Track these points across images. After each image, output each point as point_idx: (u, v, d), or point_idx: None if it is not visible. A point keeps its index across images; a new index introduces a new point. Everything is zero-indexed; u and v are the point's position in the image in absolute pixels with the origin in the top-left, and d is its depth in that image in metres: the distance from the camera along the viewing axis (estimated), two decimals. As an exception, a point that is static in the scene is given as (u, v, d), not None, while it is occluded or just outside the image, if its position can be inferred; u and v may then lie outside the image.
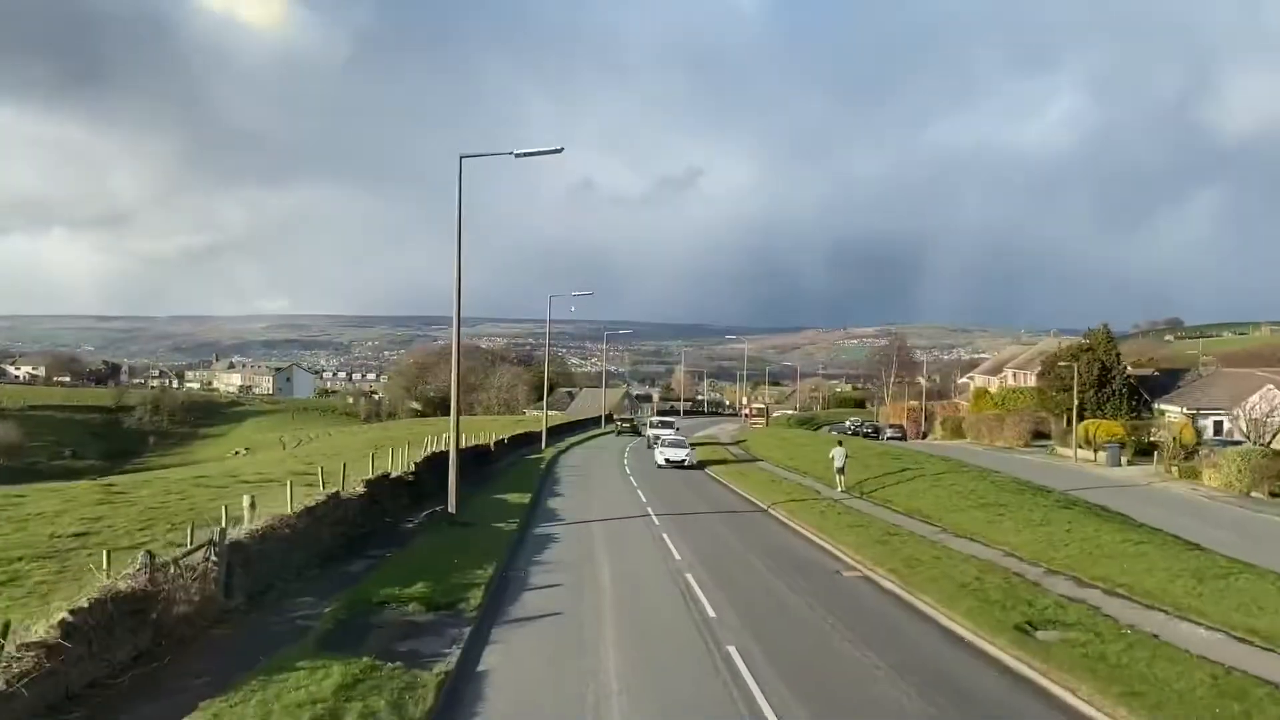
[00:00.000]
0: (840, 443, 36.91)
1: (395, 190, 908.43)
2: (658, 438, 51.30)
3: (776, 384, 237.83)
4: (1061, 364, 53.16)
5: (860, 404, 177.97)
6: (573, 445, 65.18)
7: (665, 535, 24.86)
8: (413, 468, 31.10)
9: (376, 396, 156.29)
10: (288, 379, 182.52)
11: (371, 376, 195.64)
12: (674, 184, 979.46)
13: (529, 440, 61.96)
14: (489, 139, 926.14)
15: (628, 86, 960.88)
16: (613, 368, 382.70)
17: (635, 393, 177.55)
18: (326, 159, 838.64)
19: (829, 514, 27.59)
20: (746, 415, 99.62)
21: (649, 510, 29.97)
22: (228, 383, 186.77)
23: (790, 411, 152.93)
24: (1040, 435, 56.99)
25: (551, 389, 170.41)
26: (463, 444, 46.26)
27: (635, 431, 72.35)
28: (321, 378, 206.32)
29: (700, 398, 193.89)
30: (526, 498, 32.00)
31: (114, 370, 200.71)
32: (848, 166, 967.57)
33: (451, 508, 25.90)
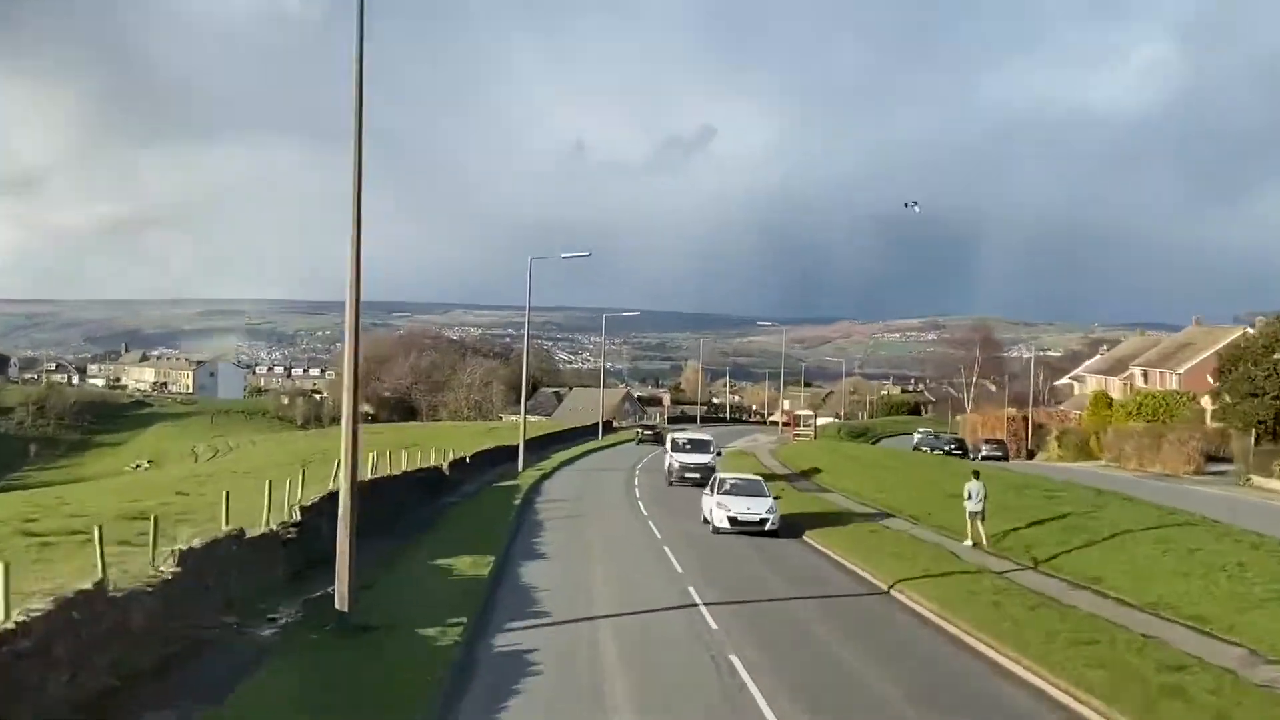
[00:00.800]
0: (976, 474, 27.62)
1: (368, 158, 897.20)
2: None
3: (808, 385, 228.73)
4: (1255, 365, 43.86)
5: (915, 410, 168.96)
6: (562, 464, 56.04)
7: (737, 662, 15.53)
8: (296, 516, 21.79)
9: (318, 397, 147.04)
10: (211, 374, 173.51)
11: (316, 372, 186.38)
12: (682, 147, 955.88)
13: (503, 458, 52.84)
14: (461, 95, 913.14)
15: (627, 28, 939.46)
16: (609, 364, 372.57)
17: (637, 394, 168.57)
18: (279, 116, 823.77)
19: (1012, 608, 18.31)
20: (786, 425, 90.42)
21: (692, 593, 20.70)
22: (138, 379, 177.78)
23: (832, 419, 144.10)
24: (1214, 458, 47.85)
25: (534, 389, 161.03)
26: (409, 466, 37.20)
27: (658, 440, 69.03)
28: (255, 373, 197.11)
29: (716, 400, 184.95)
30: (486, 563, 22.72)
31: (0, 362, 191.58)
32: (887, 128, 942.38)
33: (341, 601, 16.51)
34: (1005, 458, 63.45)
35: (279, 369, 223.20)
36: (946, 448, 68.52)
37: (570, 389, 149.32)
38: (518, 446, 50.39)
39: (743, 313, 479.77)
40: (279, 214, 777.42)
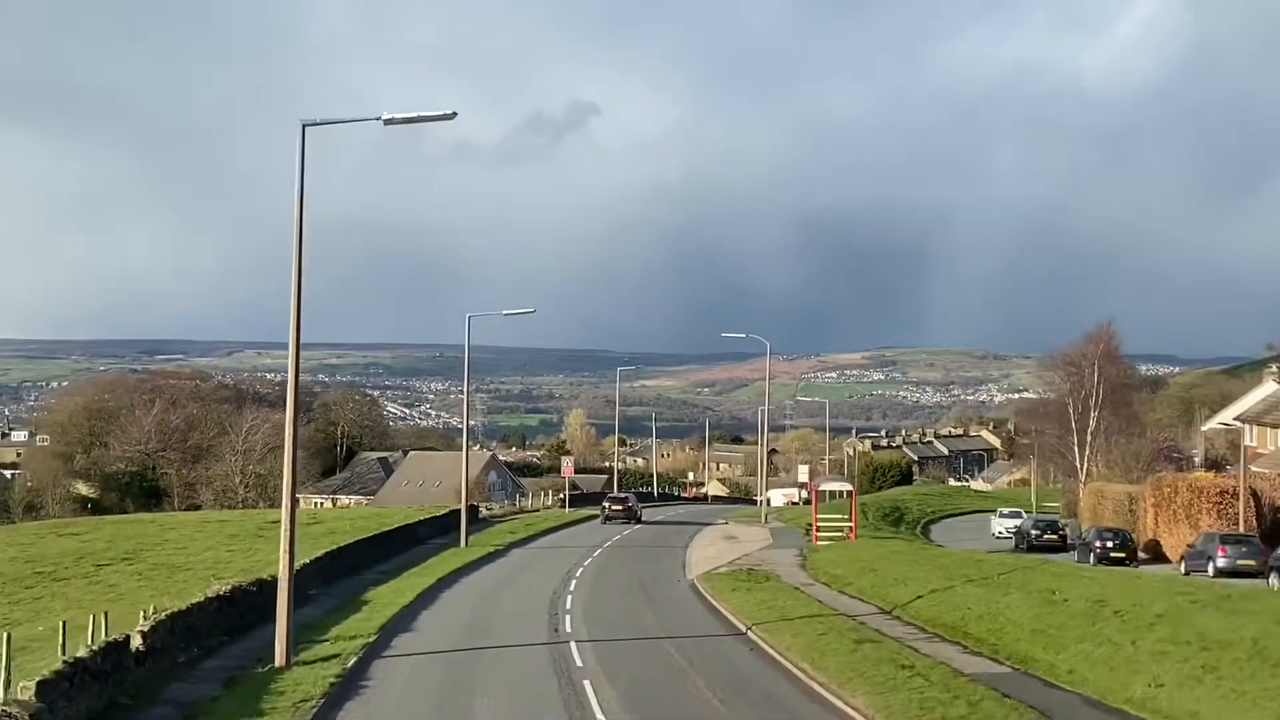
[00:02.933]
0: None
1: (107, 138, 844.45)
2: None
3: (738, 440, 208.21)
4: None
5: (907, 475, 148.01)
6: (391, 623, 32.13)
7: None
8: None
9: (9, 475, 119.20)
10: None
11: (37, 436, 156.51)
12: (550, 128, 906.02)
13: (257, 611, 29.22)
14: (236, 56, 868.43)
15: None
16: (455, 420, 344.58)
17: (503, 457, 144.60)
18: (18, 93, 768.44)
19: None
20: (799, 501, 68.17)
21: None
22: None
23: (793, 489, 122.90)
24: None
25: (349, 455, 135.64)
26: None
27: (631, 516, 70.53)
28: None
29: (606, 465, 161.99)
30: None
31: None
32: (818, 105, 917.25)
33: None
34: (1132, 556, 47.89)
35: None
36: (1103, 548, 47.53)
37: (405, 453, 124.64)
38: (280, 581, 26.30)
39: (632, 348, 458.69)
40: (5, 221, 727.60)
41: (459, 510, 57.22)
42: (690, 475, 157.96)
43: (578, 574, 41.87)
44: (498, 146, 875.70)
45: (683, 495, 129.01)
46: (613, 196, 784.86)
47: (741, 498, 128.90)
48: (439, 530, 58.22)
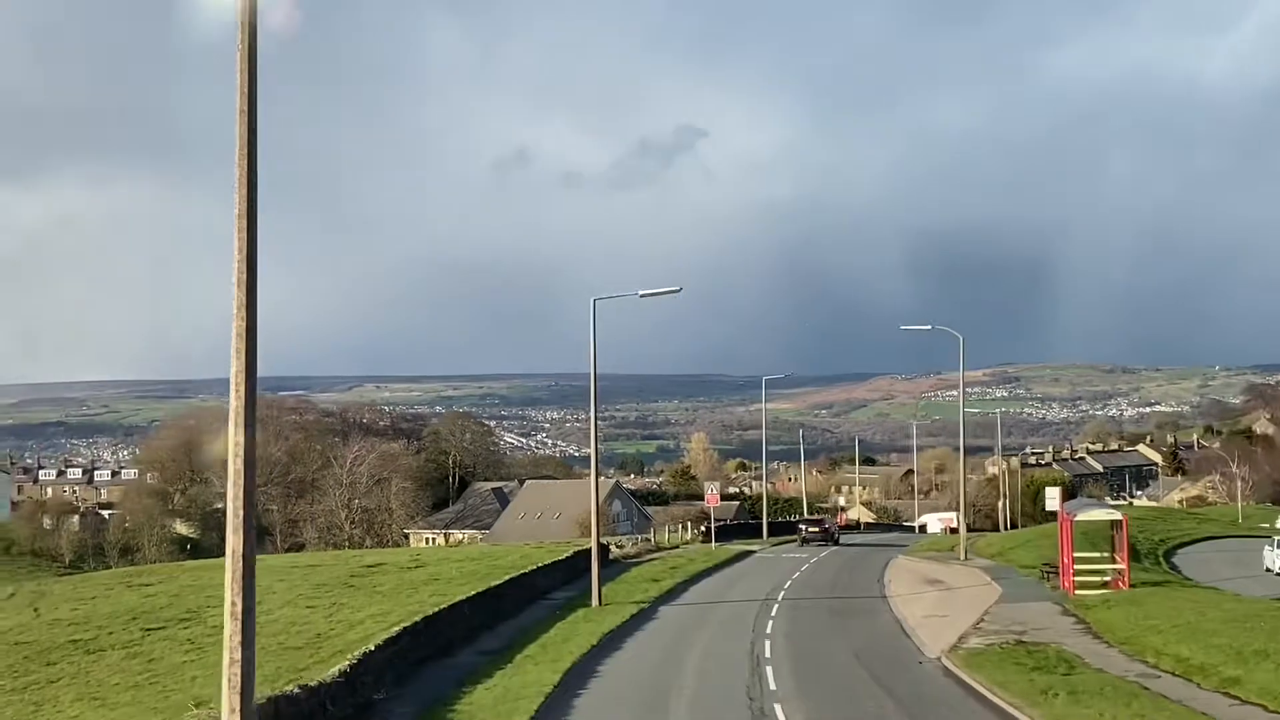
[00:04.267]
0: None
1: (230, 182, 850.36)
2: None
3: (870, 461, 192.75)
4: None
5: (1070, 493, 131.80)
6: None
7: None
8: None
9: (107, 514, 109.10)
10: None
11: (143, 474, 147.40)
12: (658, 153, 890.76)
13: None
14: (361, 98, 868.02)
15: (573, 6, 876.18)
16: (572, 448, 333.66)
17: (628, 485, 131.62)
18: (134, 135, 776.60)
19: None
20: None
21: None
22: None
23: (948, 514, 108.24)
24: None
25: (462, 487, 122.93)
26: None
27: (828, 538, 70.83)
28: (37, 481, 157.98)
29: (734, 490, 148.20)
30: None
31: None
32: (931, 118, 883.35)
33: None
34: None
35: (105, 472, 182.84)
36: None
37: (521, 483, 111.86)
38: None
39: (748, 370, 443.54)
40: (127, 269, 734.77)
41: (586, 550, 43.94)
42: (840, 499, 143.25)
43: (766, 652, 28.26)
44: (606, 174, 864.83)
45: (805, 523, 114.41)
46: (723, 219, 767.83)
47: (891, 523, 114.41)
48: (563, 578, 44.93)
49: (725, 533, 69.24)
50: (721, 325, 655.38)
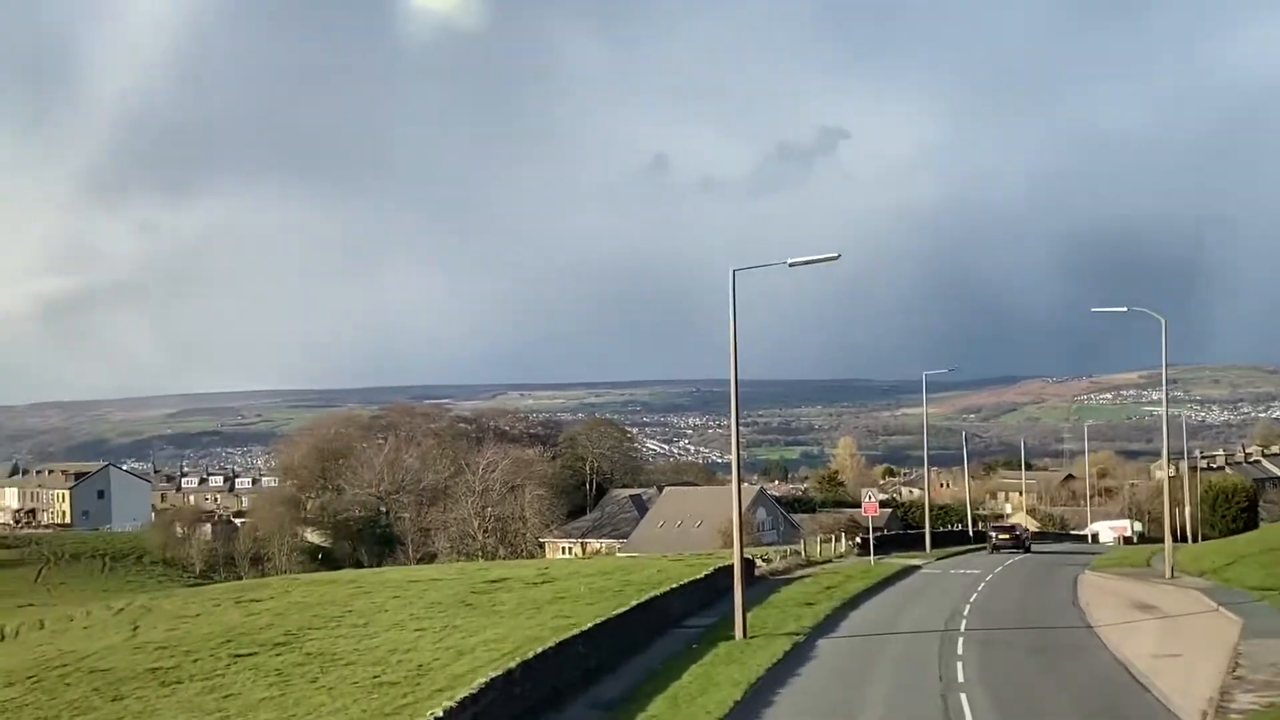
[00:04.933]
0: None
1: (376, 193, 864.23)
2: None
3: (1027, 466, 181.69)
4: None
5: (1252, 502, 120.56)
6: None
7: None
8: None
9: (239, 521, 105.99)
10: (100, 494, 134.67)
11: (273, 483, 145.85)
12: (798, 156, 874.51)
13: None
14: (493, 102, 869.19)
15: (721, 7, 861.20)
16: (715, 454, 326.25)
17: (772, 492, 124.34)
18: (281, 150, 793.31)
19: None
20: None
21: None
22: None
23: (1122, 523, 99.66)
24: None
25: (600, 493, 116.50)
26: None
27: (1019, 545, 68.94)
28: (181, 489, 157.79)
29: (882, 496, 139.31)
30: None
31: None
32: (1084, 116, 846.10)
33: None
34: None
35: (246, 480, 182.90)
36: None
37: (660, 490, 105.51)
38: None
39: (892, 375, 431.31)
40: (280, 282, 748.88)
41: (728, 567, 37.20)
42: (1006, 506, 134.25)
43: (967, 716, 21.31)
44: (747, 178, 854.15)
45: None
46: (866, 222, 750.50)
47: (1059, 531, 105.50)
48: (701, 600, 38.42)
49: (883, 544, 61.76)
50: (864, 329, 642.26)
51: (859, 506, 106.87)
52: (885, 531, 77.63)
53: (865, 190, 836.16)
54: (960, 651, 28.74)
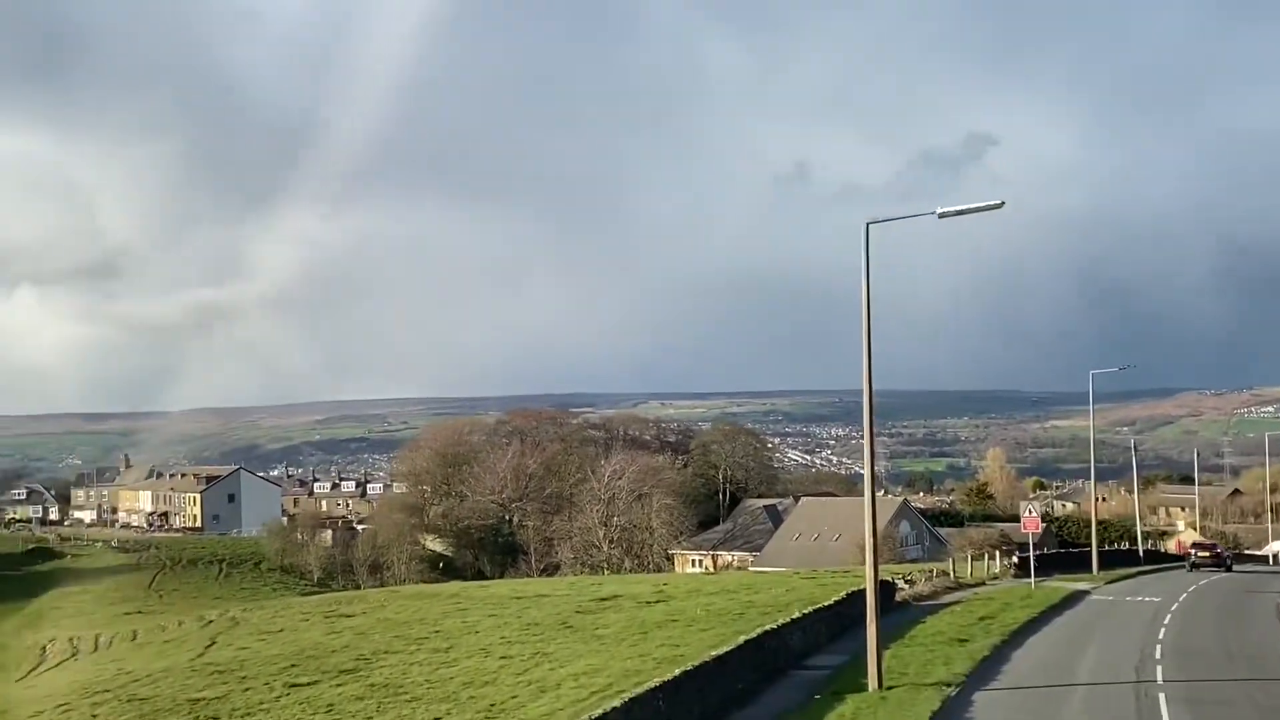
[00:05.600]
0: None
1: (525, 206, 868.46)
2: None
3: (1187, 480, 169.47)
4: None
5: None
6: None
7: None
8: None
9: (360, 527, 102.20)
10: (230, 498, 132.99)
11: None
12: (944, 163, 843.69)
13: None
14: (640, 112, 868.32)
15: (862, 11, 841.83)
16: (857, 465, 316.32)
17: (917, 505, 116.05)
18: (430, 166, 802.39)
19: None
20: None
21: None
22: (130, 508, 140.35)
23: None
24: None
25: (733, 503, 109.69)
26: None
27: (1220, 564, 66.10)
28: (313, 494, 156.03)
29: (1028, 511, 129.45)
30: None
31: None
32: (1239, 120, 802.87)
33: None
34: None
35: (348, 486, 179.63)
36: None
37: (797, 500, 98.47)
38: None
39: (1041, 387, 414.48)
40: (427, 294, 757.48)
41: (863, 591, 30.44)
42: (1180, 523, 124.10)
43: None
44: (890, 185, 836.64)
45: (1167, 550, 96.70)
46: (1014, 230, 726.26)
47: (1235, 551, 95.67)
48: (829, 631, 31.96)
49: (1043, 564, 54.11)
50: (1012, 340, 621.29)
51: (1010, 521, 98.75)
52: (1045, 550, 69.68)
53: (1014, 196, 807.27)
54: (1165, 713, 21.80)
